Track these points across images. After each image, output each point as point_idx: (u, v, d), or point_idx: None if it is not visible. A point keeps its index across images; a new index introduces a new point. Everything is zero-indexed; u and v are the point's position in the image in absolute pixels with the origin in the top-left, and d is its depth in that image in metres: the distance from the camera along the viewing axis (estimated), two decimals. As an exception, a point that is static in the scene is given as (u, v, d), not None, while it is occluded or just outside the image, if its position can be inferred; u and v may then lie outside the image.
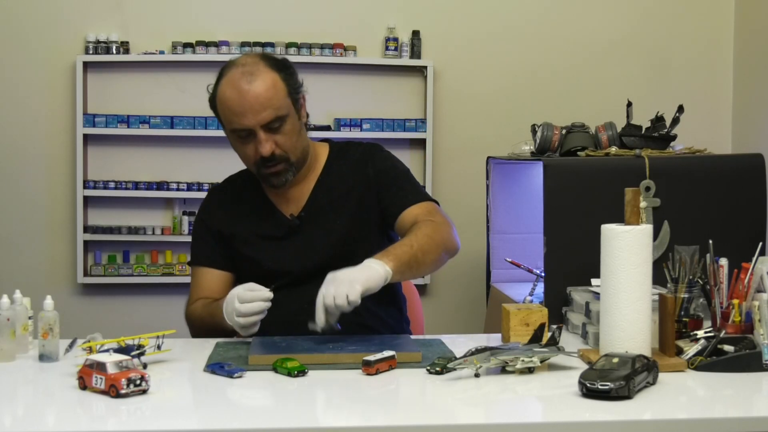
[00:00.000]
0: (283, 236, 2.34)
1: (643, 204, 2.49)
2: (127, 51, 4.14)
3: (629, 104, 2.91)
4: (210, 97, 2.28)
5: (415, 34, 4.24)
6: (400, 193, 2.33)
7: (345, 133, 4.15)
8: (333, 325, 2.02)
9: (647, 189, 2.56)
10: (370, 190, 2.35)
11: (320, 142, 2.45)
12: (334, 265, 2.20)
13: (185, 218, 4.19)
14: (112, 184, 4.13)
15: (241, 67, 2.21)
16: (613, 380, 1.69)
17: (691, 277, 2.11)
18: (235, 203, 2.40)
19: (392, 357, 1.91)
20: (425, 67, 4.24)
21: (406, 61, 4.23)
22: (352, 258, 2.24)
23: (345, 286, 1.99)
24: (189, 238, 4.09)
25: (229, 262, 2.40)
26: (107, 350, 1.88)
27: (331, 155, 2.41)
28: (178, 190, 4.15)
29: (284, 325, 2.25)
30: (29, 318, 2.06)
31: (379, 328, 2.30)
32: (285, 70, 2.25)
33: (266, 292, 2.10)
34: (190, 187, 4.15)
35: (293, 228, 2.34)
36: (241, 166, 2.49)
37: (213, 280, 2.38)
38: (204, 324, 2.29)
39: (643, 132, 2.85)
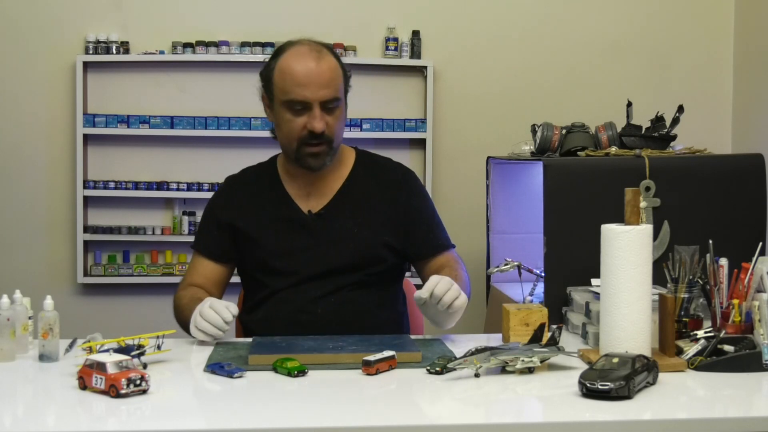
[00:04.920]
0: (296, 232, 2.34)
1: (643, 204, 2.49)
2: (127, 51, 4.14)
3: (629, 104, 2.91)
4: (265, 69, 2.33)
5: (415, 34, 4.24)
6: (430, 236, 2.40)
7: (345, 133, 4.13)
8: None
9: (647, 189, 2.56)
10: (396, 217, 2.36)
11: (346, 146, 2.47)
12: (340, 273, 2.24)
13: (185, 218, 4.19)
14: (112, 184, 4.13)
15: (308, 45, 2.30)
16: (613, 380, 1.69)
17: (691, 277, 2.11)
18: (251, 192, 2.41)
19: (392, 357, 1.91)
20: (425, 67, 4.23)
21: (406, 61, 4.23)
22: (360, 271, 2.28)
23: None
24: (189, 239, 4.16)
25: (230, 255, 2.40)
26: (107, 350, 1.88)
27: (359, 162, 2.43)
28: (178, 190, 4.15)
29: (285, 324, 2.27)
30: (29, 318, 2.06)
31: (381, 330, 2.30)
32: (340, 61, 2.34)
33: (226, 316, 2.10)
34: (190, 187, 4.15)
35: (308, 225, 2.34)
36: (239, 164, 2.50)
37: (207, 270, 2.41)
38: (180, 314, 2.30)
39: (643, 132, 2.85)
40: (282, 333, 2.20)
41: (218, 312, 2.10)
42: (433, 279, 2.08)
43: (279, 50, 2.33)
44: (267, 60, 2.35)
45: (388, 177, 2.42)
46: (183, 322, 2.26)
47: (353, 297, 2.30)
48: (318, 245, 2.32)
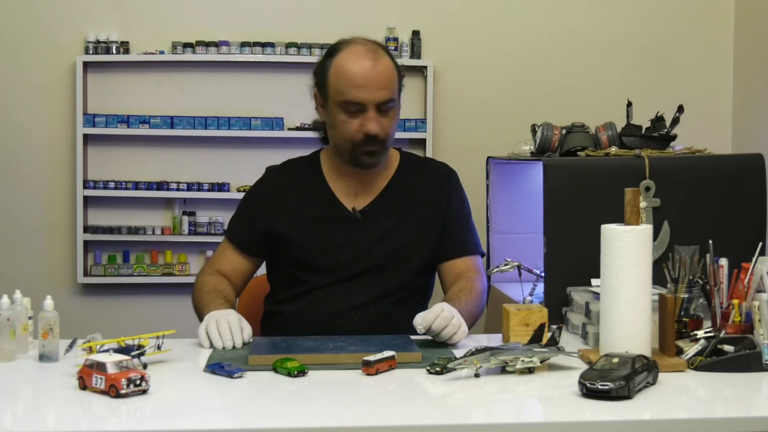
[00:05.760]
0: (339, 228, 2.34)
1: (643, 204, 2.49)
2: (127, 51, 4.14)
3: (629, 104, 2.91)
4: (319, 68, 2.32)
5: (415, 34, 4.24)
6: (460, 236, 2.40)
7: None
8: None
9: (647, 189, 2.56)
10: (437, 214, 2.38)
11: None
12: (381, 271, 2.23)
13: (185, 218, 4.19)
14: (112, 184, 4.13)
15: (363, 45, 2.28)
16: (613, 380, 1.69)
17: (691, 277, 2.11)
18: (292, 187, 2.40)
19: (392, 357, 1.91)
20: (425, 67, 4.24)
21: (406, 61, 4.22)
22: (401, 268, 2.30)
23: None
24: (188, 238, 4.18)
25: (260, 250, 2.41)
26: (107, 350, 1.88)
27: (404, 162, 2.44)
28: (178, 190, 4.15)
29: (319, 324, 2.26)
30: (29, 318, 2.05)
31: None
32: (395, 60, 2.33)
33: (237, 341, 2.09)
34: (190, 187, 4.15)
35: (352, 222, 2.34)
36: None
37: (236, 261, 2.42)
38: (198, 300, 2.31)
39: (643, 132, 2.85)
40: (312, 332, 2.20)
41: (233, 333, 2.10)
42: (435, 310, 2.08)
43: (334, 49, 2.31)
44: (321, 58, 2.35)
45: (432, 176, 2.44)
46: (198, 307, 2.29)
47: (391, 311, 2.31)
48: (360, 242, 2.32)
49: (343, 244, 2.33)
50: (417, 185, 2.40)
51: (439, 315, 2.06)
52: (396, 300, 2.33)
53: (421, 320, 2.06)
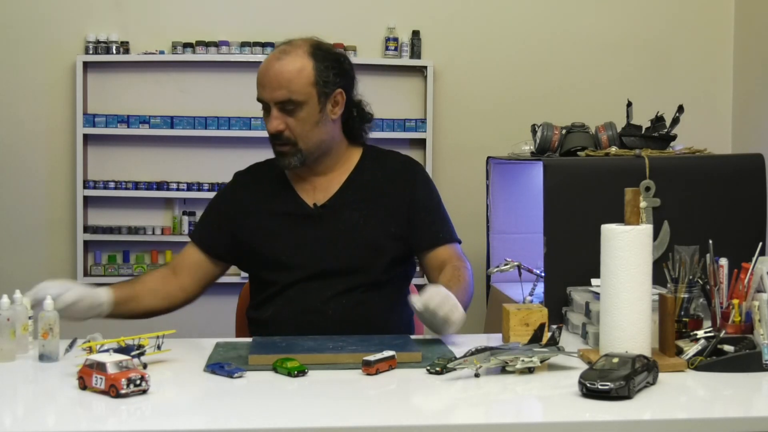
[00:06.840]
0: (303, 226, 2.33)
1: (643, 204, 2.49)
2: (127, 51, 4.14)
3: (629, 104, 2.91)
4: None
5: (415, 34, 4.24)
6: (433, 228, 2.38)
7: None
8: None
9: (647, 189, 2.56)
10: (401, 207, 2.36)
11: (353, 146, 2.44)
12: (348, 266, 2.23)
13: (185, 218, 4.19)
14: (112, 184, 4.13)
15: (286, 45, 2.29)
16: (613, 380, 1.69)
17: (691, 277, 2.11)
18: (257, 188, 2.41)
19: (392, 357, 1.91)
20: (425, 67, 4.24)
21: (406, 61, 4.23)
22: (368, 265, 2.28)
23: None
24: (188, 239, 4.15)
25: (222, 253, 2.40)
26: (107, 350, 1.88)
27: (365, 156, 2.42)
28: (178, 190, 4.16)
29: (295, 324, 2.26)
30: (29, 318, 2.05)
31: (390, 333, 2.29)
32: (324, 62, 2.27)
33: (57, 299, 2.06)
34: (190, 187, 4.16)
35: (314, 218, 2.33)
36: (239, 164, 2.50)
37: (192, 255, 2.41)
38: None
39: (643, 132, 2.85)
40: (290, 332, 2.20)
41: (54, 290, 2.06)
42: (430, 291, 2.07)
43: None
44: None
45: (395, 168, 2.41)
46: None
47: (364, 299, 2.30)
48: (324, 238, 2.32)
49: (306, 240, 2.32)
50: (379, 178, 2.38)
51: (437, 295, 2.05)
52: (369, 289, 2.31)
53: (417, 299, 2.05)
